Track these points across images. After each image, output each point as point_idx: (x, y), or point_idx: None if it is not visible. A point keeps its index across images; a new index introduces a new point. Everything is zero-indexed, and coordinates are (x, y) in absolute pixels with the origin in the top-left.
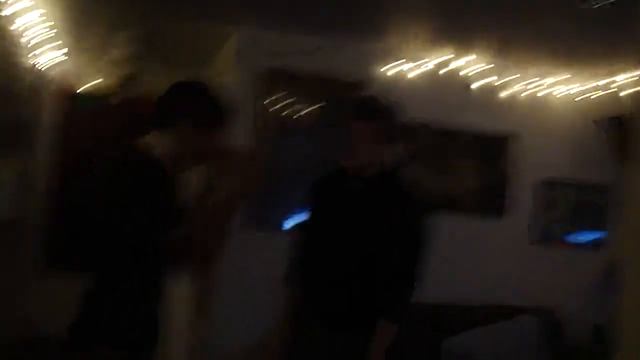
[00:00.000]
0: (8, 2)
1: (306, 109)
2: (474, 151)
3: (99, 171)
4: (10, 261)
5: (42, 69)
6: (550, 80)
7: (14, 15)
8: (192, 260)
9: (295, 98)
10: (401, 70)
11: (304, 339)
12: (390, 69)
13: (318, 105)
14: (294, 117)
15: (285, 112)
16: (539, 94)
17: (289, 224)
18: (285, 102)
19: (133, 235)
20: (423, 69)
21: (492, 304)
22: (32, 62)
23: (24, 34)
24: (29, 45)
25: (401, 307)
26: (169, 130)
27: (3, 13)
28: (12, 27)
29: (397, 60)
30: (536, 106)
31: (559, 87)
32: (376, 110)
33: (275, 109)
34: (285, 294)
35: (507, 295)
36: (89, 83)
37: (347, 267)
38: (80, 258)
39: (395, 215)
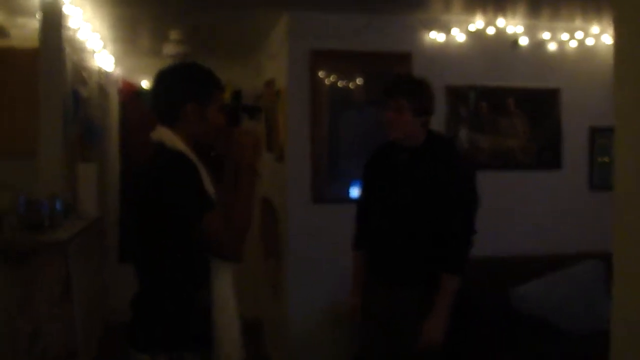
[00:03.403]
0: (73, 15)
1: (357, 84)
2: (526, 107)
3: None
4: (100, 254)
5: (107, 71)
6: (596, 29)
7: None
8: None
9: (346, 74)
10: (448, 36)
11: (373, 296)
12: (437, 37)
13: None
14: (347, 93)
15: (338, 89)
16: (587, 44)
17: (351, 194)
18: (336, 79)
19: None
20: (470, 31)
21: (557, 252)
22: (97, 65)
23: (88, 40)
24: (93, 50)
25: (460, 259)
26: (210, 106)
27: (69, 24)
28: (78, 35)
29: (443, 28)
30: (585, 56)
31: (605, 35)
32: (402, 88)
33: (328, 86)
34: (354, 257)
35: (572, 243)
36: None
37: (405, 230)
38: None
39: (441, 180)
